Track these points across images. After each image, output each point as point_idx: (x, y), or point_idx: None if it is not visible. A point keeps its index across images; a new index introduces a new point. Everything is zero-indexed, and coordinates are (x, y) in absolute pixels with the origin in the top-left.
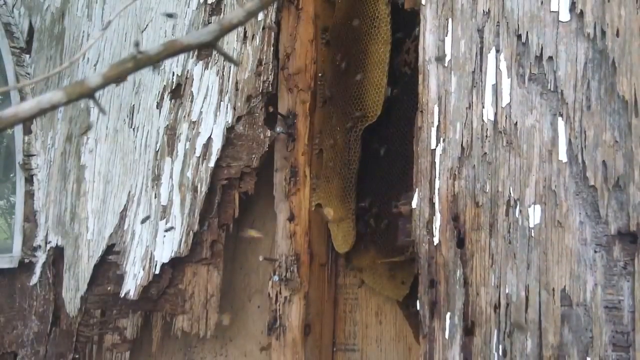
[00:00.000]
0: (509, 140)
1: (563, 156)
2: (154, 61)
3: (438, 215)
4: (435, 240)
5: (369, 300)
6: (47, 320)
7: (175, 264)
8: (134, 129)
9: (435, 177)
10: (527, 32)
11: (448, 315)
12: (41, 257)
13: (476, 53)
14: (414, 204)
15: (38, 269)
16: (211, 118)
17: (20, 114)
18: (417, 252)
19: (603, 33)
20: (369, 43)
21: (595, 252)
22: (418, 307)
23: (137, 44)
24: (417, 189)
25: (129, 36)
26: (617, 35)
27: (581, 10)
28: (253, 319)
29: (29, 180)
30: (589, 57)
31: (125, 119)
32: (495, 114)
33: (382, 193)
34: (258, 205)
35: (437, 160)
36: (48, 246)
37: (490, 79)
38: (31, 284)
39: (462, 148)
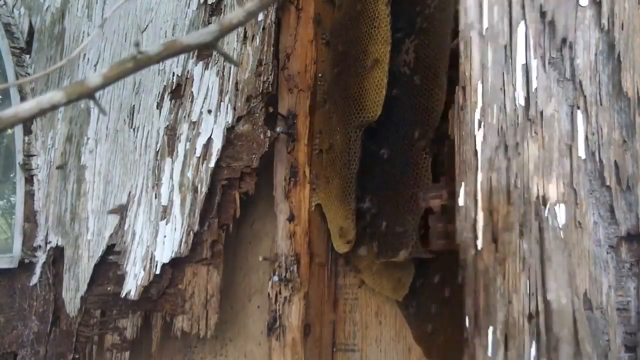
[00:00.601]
0: (536, 130)
1: (582, 152)
2: (154, 61)
3: (481, 215)
4: (480, 244)
5: (369, 300)
6: (47, 321)
7: (176, 264)
8: (134, 129)
9: (477, 169)
10: (552, 11)
11: (490, 329)
12: (41, 257)
13: (507, 24)
14: (460, 201)
15: (38, 269)
16: (211, 118)
17: (21, 114)
18: (463, 258)
19: (613, 24)
20: (369, 43)
21: (608, 253)
22: (467, 323)
23: (137, 44)
24: (462, 182)
25: (129, 36)
26: (622, 28)
27: None
28: (253, 319)
29: (29, 180)
30: (599, 49)
31: (125, 119)
32: (526, 98)
33: (381, 193)
34: (259, 205)
35: (479, 148)
36: (48, 246)
37: (520, 58)
38: (31, 284)
39: (498, 135)
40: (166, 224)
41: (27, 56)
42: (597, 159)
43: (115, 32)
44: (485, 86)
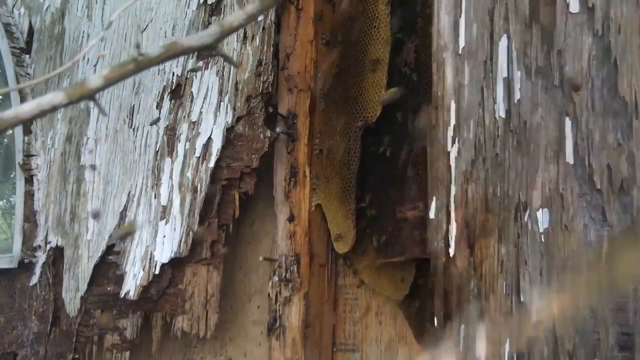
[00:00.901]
0: (518, 140)
1: (570, 158)
2: (154, 63)
3: (454, 225)
4: (452, 252)
5: (369, 300)
6: (47, 321)
7: (175, 264)
8: (133, 129)
9: (451, 183)
10: (536, 19)
11: (462, 327)
12: (41, 257)
13: (487, 39)
14: (431, 214)
15: (38, 269)
16: (211, 118)
17: (21, 115)
18: (434, 265)
19: (608, 29)
20: (369, 43)
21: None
22: (435, 323)
23: (138, 46)
24: (434, 197)
25: (128, 36)
26: (619, 32)
27: (593, 5)
28: (253, 319)
29: (29, 180)
30: (592, 54)
31: (125, 119)
32: (507, 110)
33: (382, 194)
34: (259, 205)
35: (452, 163)
36: (48, 246)
37: (501, 72)
38: (31, 284)
39: (475, 149)
40: (165, 224)
41: (27, 56)
42: (587, 163)
43: (115, 32)
44: (460, 103)
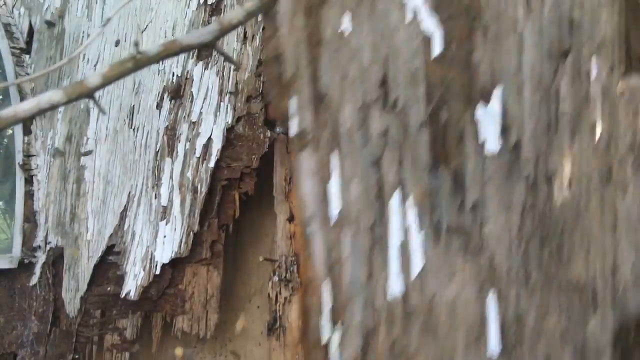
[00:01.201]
0: (425, 320)
1: (495, 346)
2: (153, 61)
3: None
4: None
5: None
6: (46, 321)
7: (175, 265)
8: (134, 130)
9: None
10: (444, 163)
11: None
12: (41, 258)
13: (373, 198)
14: None
15: (38, 270)
16: (211, 118)
17: (20, 114)
18: None
19: (548, 179)
20: None
21: None
22: None
23: (136, 44)
24: None
25: (128, 36)
26: (570, 186)
27: (517, 141)
28: (253, 319)
29: (29, 180)
30: (526, 208)
31: (125, 119)
32: (405, 284)
33: None
34: (259, 205)
35: (333, 354)
36: (48, 246)
37: (395, 236)
38: (31, 284)
39: (364, 336)
40: (166, 224)
41: (27, 56)
42: (516, 353)
43: (115, 32)
44: (339, 283)
